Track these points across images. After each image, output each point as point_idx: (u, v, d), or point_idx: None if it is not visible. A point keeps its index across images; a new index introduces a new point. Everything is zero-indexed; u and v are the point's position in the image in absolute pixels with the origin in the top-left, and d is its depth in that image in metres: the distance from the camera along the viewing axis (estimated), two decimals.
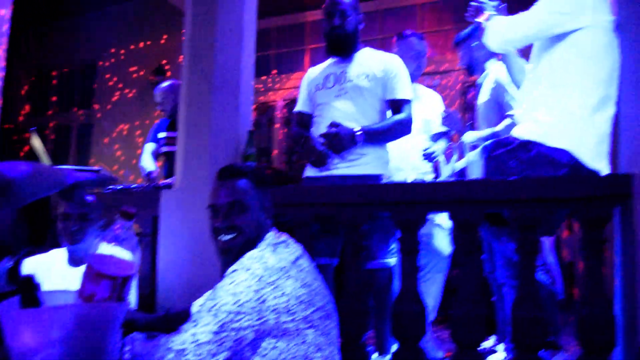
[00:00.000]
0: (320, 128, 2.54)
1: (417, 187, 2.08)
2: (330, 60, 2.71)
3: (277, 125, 6.17)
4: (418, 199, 2.05)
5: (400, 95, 2.54)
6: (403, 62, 2.67)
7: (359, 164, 2.48)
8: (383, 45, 5.80)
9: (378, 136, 2.49)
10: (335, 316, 1.61)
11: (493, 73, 2.94)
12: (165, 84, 4.03)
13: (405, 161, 2.85)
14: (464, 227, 1.99)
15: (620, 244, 1.92)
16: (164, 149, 3.89)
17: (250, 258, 1.49)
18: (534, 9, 2.11)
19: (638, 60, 1.92)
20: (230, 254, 1.58)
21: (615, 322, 1.80)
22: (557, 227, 2.92)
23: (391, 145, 2.63)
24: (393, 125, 2.51)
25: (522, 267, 1.92)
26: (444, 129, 2.92)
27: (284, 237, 1.64)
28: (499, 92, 2.85)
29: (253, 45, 2.72)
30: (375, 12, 5.76)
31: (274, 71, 6.26)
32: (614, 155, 2.03)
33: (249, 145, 2.46)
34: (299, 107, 2.75)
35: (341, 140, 2.39)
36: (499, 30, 2.18)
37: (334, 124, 2.42)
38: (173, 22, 5.94)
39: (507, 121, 2.67)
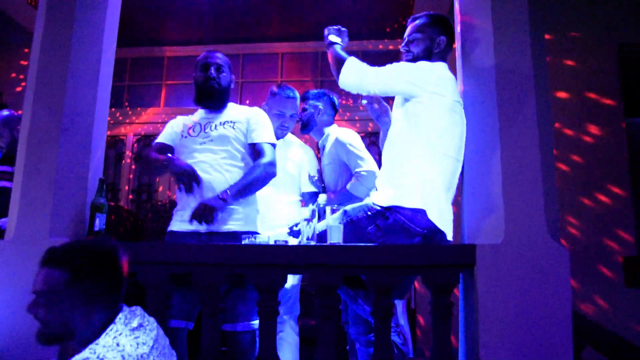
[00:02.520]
0: None
1: (277, 249, 2.06)
2: (198, 113, 2.71)
3: (127, 161, 5.80)
4: (277, 262, 2.03)
5: (261, 139, 2.56)
6: (277, 112, 2.95)
7: (226, 220, 2.43)
8: (242, 88, 5.83)
9: (245, 190, 2.46)
10: None
11: (333, 134, 3.05)
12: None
13: (273, 216, 2.85)
14: (323, 290, 2.01)
15: (464, 306, 2.08)
16: None
17: (105, 346, 1.35)
18: (398, 67, 2.25)
19: (482, 134, 2.14)
20: (47, 344, 1.43)
21: None
22: (408, 291, 3.09)
23: (261, 199, 2.63)
24: (257, 173, 2.48)
25: (377, 329, 1.98)
26: (313, 188, 2.98)
27: (137, 318, 1.51)
28: (340, 152, 2.96)
29: (109, 82, 2.54)
30: (236, 55, 5.78)
31: (127, 104, 5.92)
32: (456, 226, 2.22)
33: (99, 194, 2.25)
34: (160, 139, 2.66)
35: (211, 210, 2.33)
36: (359, 72, 2.25)
37: (193, 210, 2.35)
38: (15, 41, 5.37)
39: (353, 180, 2.81)
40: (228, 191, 2.38)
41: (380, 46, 5.65)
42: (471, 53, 2.26)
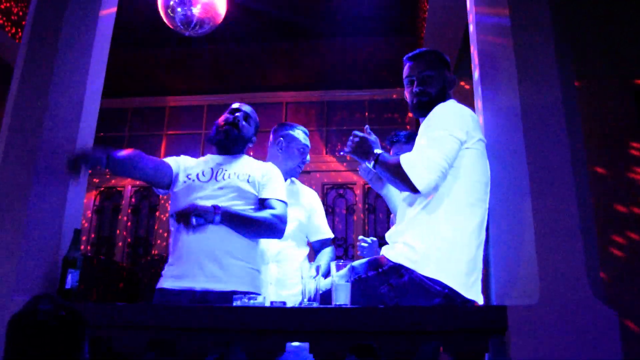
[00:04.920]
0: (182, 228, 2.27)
1: (274, 312, 1.76)
2: (209, 157, 2.51)
3: (125, 214, 5.55)
4: (274, 327, 1.73)
5: (272, 195, 2.37)
6: (301, 147, 2.78)
7: (223, 277, 2.17)
8: None
9: (242, 221, 2.25)
10: None
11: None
12: None
13: (290, 272, 2.59)
14: None
15: None
16: None
17: None
18: (436, 139, 1.84)
19: (507, 184, 1.88)
20: None
21: None
22: None
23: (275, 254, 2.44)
24: (263, 216, 2.27)
25: None
26: (324, 235, 2.73)
27: None
28: None
29: (93, 124, 2.33)
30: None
31: None
32: (484, 285, 1.93)
33: (73, 246, 1.99)
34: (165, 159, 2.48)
35: (195, 211, 2.14)
36: (422, 173, 1.79)
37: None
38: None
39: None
40: (221, 211, 2.18)
41: (386, 95, 5.49)
42: (492, 90, 2.04)
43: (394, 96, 5.46)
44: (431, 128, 1.85)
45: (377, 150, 1.94)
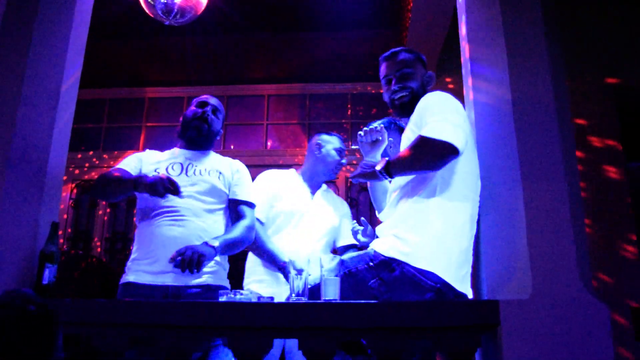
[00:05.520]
0: (157, 219, 2.22)
1: (259, 308, 1.71)
2: (177, 151, 2.45)
3: (103, 206, 5.42)
4: (260, 324, 1.68)
5: (243, 197, 2.38)
6: (338, 149, 2.81)
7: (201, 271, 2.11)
8: (226, 131, 5.56)
9: (231, 248, 2.25)
10: None
11: None
12: None
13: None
14: (316, 358, 1.66)
15: None
16: None
17: None
18: (451, 112, 1.81)
19: (498, 177, 1.86)
20: None
21: None
22: None
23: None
24: (241, 234, 2.28)
25: None
26: (352, 240, 2.69)
27: None
28: None
29: (71, 110, 2.23)
30: (220, 97, 5.52)
31: (103, 146, 5.59)
32: (474, 279, 1.90)
33: (50, 240, 1.91)
34: (122, 166, 2.35)
35: (201, 258, 2.02)
36: (454, 133, 1.73)
37: (179, 252, 2.03)
38: None
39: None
40: (217, 242, 2.11)
41: (369, 88, 5.45)
42: (482, 86, 2.00)
43: (377, 90, 5.42)
44: (434, 106, 1.81)
45: (381, 158, 1.91)
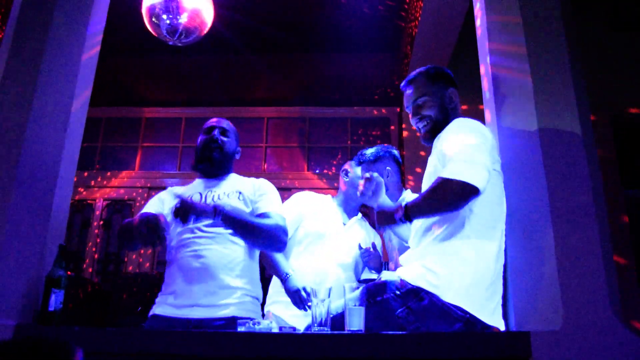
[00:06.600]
0: (179, 252, 2.14)
1: (280, 338, 1.63)
2: (196, 182, 2.40)
3: (94, 228, 5.30)
4: (280, 355, 1.59)
5: (269, 209, 2.24)
6: (352, 182, 2.71)
7: (219, 303, 2.04)
8: None
9: (243, 225, 2.11)
10: None
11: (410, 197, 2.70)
12: None
13: None
14: None
15: None
16: None
17: None
18: (473, 145, 1.73)
19: (524, 207, 1.82)
20: None
21: None
22: None
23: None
24: (265, 222, 2.15)
25: None
26: (373, 275, 2.55)
27: None
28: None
29: (80, 131, 2.18)
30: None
31: (98, 166, 5.49)
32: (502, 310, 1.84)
33: (57, 264, 1.82)
34: (147, 210, 2.24)
35: (191, 208, 2.00)
36: (475, 172, 1.66)
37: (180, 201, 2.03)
38: None
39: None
40: (228, 207, 2.05)
41: (368, 111, 5.43)
42: (506, 110, 1.98)
43: (377, 113, 5.40)
44: (458, 138, 1.76)
45: (396, 206, 1.85)
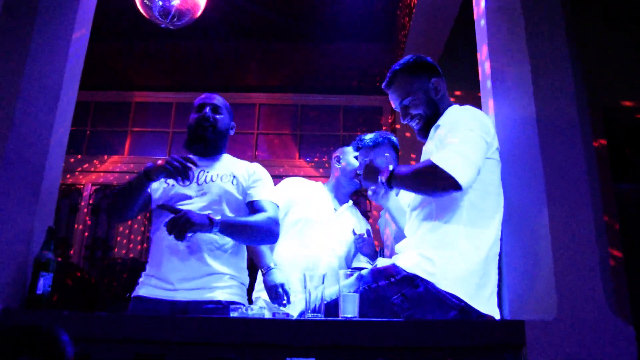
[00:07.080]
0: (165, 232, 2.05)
1: (274, 324, 1.62)
2: None
3: (83, 215, 5.23)
4: (273, 341, 1.58)
5: (260, 197, 2.21)
6: (344, 168, 2.72)
7: (210, 286, 1.99)
8: None
9: (239, 229, 2.07)
10: None
11: None
12: None
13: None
14: None
15: None
16: None
17: None
18: (467, 138, 1.71)
19: (521, 196, 1.81)
20: None
21: None
22: None
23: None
24: (259, 220, 2.12)
25: None
26: (364, 263, 2.57)
27: None
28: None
29: (70, 112, 2.13)
30: None
31: (86, 150, 5.41)
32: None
33: (46, 247, 1.78)
34: None
35: (188, 223, 1.92)
36: (462, 169, 1.64)
37: (175, 215, 1.95)
38: None
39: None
40: (219, 216, 1.99)
41: (368, 101, 5.40)
42: (505, 99, 1.96)
43: (370, 102, 5.38)
44: (457, 129, 1.74)
45: (385, 167, 1.83)
